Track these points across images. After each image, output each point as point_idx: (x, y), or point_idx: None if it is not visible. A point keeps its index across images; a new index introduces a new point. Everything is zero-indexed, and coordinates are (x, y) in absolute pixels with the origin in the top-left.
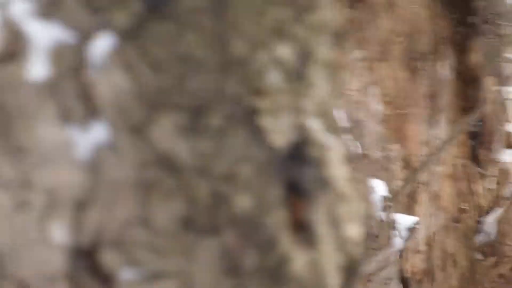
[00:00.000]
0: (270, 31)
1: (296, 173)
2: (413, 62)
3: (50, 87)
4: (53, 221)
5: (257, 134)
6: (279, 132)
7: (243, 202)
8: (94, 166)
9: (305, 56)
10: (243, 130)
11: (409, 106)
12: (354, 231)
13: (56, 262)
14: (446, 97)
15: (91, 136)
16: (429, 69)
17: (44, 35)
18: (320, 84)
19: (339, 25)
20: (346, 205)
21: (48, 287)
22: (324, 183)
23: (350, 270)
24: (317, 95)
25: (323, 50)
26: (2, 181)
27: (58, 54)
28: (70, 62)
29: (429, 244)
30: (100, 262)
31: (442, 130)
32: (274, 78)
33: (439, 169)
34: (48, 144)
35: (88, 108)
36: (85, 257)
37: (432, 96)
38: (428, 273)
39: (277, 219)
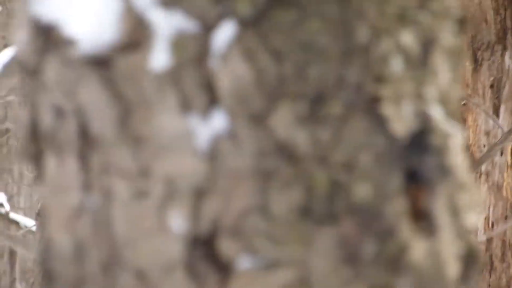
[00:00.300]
0: (394, 18)
1: (417, 162)
2: (476, 52)
3: (171, 77)
4: (171, 210)
5: (378, 122)
6: (400, 120)
7: (362, 190)
8: (213, 155)
9: (428, 43)
10: (363, 118)
11: (471, 96)
12: (472, 220)
13: (174, 251)
14: (509, 87)
15: (211, 126)
16: (493, 59)
17: (167, 24)
18: (443, 71)
19: (462, 11)
20: (466, 193)
21: (166, 276)
22: (445, 172)
23: (470, 260)
24: (440, 82)
25: (447, 36)
26: (122, 171)
27: (180, 43)
28: (192, 52)
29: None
30: (218, 250)
31: (504, 120)
32: (396, 65)
33: (500, 159)
34: (168, 133)
35: (209, 97)
36: (203, 246)
37: (495, 86)
38: (487, 263)
39: (396, 208)
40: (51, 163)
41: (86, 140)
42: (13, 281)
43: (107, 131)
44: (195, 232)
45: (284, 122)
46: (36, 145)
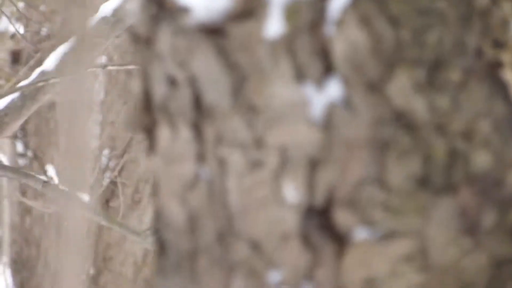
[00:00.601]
0: None
1: None
2: None
3: (286, 45)
4: (286, 180)
5: (498, 88)
6: None
7: (481, 159)
8: (328, 124)
9: None
10: (483, 85)
11: None
12: None
13: (289, 221)
14: None
15: (326, 94)
16: None
17: None
18: None
19: None
20: None
21: (280, 246)
22: None
23: None
24: None
25: None
26: (236, 141)
27: (295, 10)
28: (307, 18)
29: None
30: (334, 221)
31: None
32: None
33: None
34: (282, 102)
35: (324, 65)
36: (318, 216)
37: None
38: None
39: None
40: (164, 133)
41: (200, 110)
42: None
43: (221, 100)
44: (310, 202)
45: (402, 89)
46: (149, 116)
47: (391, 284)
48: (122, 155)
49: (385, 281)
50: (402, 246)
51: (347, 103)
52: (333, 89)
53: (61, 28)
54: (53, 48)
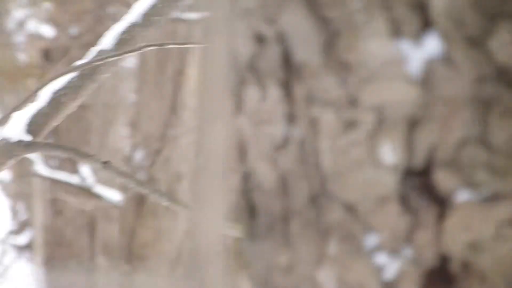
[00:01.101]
0: None
1: None
2: None
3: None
4: (383, 140)
5: None
6: None
7: None
8: (427, 81)
9: None
10: None
11: None
12: None
13: (386, 183)
14: None
15: (424, 50)
16: None
17: None
18: None
19: None
20: None
21: (377, 208)
22: None
23: None
24: None
25: None
26: (328, 100)
27: None
28: None
29: None
30: (434, 183)
31: None
32: None
33: None
34: (377, 59)
35: (421, 20)
36: (418, 177)
37: None
38: None
39: None
40: (252, 93)
41: (290, 69)
42: (93, 255)
43: (312, 58)
44: (408, 164)
45: (504, 44)
46: (237, 75)
47: (495, 248)
48: (156, 154)
49: (489, 245)
50: (506, 209)
51: (446, 59)
52: (432, 45)
53: (92, 26)
54: (84, 46)
